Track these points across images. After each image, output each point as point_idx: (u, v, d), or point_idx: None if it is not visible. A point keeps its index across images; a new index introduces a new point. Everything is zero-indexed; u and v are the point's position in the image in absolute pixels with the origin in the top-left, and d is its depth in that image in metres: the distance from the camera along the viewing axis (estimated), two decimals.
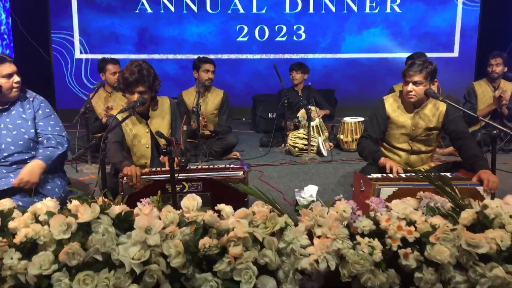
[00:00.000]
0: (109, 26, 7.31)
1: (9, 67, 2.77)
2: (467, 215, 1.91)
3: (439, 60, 7.47)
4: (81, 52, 7.34)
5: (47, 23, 7.24)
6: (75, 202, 1.87)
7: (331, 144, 5.04)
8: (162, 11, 7.32)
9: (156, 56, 7.42)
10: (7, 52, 7.06)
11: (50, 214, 1.84)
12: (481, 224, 1.92)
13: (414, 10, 7.42)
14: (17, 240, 1.76)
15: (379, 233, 1.86)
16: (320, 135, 4.85)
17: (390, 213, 1.93)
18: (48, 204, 1.93)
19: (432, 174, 2.05)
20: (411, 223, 1.89)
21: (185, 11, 7.33)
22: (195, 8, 7.33)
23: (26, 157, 2.83)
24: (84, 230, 1.79)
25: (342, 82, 7.48)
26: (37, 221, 1.85)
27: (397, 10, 7.41)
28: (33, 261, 1.71)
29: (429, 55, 7.31)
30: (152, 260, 1.73)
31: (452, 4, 7.41)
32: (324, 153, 4.68)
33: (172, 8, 7.32)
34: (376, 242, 1.80)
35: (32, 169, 2.68)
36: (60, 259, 1.71)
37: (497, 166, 4.04)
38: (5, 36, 7.10)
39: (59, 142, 2.87)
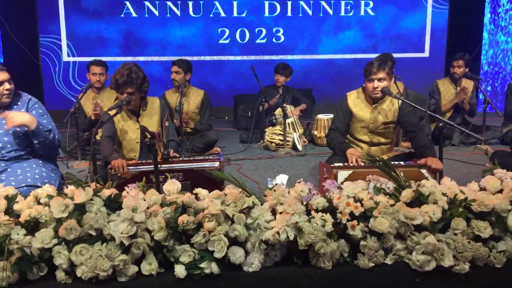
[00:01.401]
0: (96, 30, 7.53)
1: (1, 75, 2.94)
2: (406, 194, 2.25)
3: (411, 60, 7.89)
4: (68, 55, 7.57)
5: (36, 27, 7.45)
6: (71, 187, 2.18)
7: (305, 139, 5.39)
8: (146, 15, 7.57)
9: (142, 58, 7.67)
10: None
11: (50, 197, 2.13)
12: (418, 200, 2.26)
13: (387, 12, 7.78)
14: (22, 219, 2.03)
15: (331, 209, 2.19)
16: (295, 131, 5.20)
17: (341, 192, 2.27)
18: (47, 189, 2.23)
19: (379, 161, 2.40)
20: (359, 200, 2.23)
21: (168, 15, 7.60)
22: (178, 12, 7.60)
23: (23, 153, 3.05)
24: (80, 210, 2.07)
25: (319, 82, 7.82)
26: (39, 203, 2.14)
27: (371, 13, 7.77)
28: (36, 236, 1.98)
29: (401, 55, 7.79)
30: (138, 234, 2.02)
31: (422, 6, 7.78)
32: (299, 147, 5.02)
33: (156, 12, 7.58)
34: (328, 216, 2.13)
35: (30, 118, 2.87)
36: (60, 234, 1.99)
37: (457, 157, 4.46)
38: None
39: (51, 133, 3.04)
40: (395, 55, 7.38)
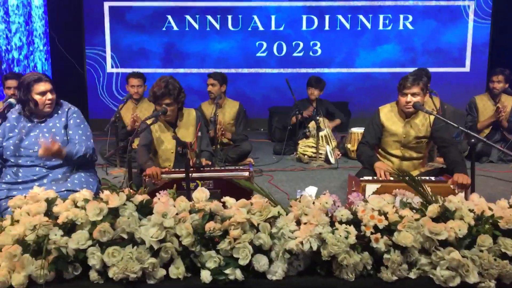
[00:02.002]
0: (138, 42, 7.81)
1: (43, 85, 3.09)
2: (432, 208, 2.25)
3: (451, 74, 7.76)
4: (112, 67, 7.88)
5: (82, 39, 7.80)
6: (106, 192, 2.30)
7: (339, 153, 5.39)
8: (187, 29, 7.80)
9: (181, 70, 7.90)
10: (46, 66, 7.67)
11: (86, 200, 2.26)
12: (444, 216, 2.26)
13: (426, 27, 7.70)
14: (59, 221, 2.15)
15: (355, 222, 2.22)
16: (328, 144, 5.22)
17: (366, 205, 2.29)
18: (84, 193, 2.36)
19: (407, 176, 2.42)
20: (383, 214, 2.25)
21: (208, 29, 7.80)
22: (217, 26, 7.79)
23: (62, 161, 3.20)
24: (113, 213, 2.18)
25: (356, 95, 7.80)
26: (76, 207, 2.26)
27: (410, 27, 7.71)
28: (73, 237, 2.10)
29: (440, 69, 7.68)
30: (167, 239, 2.11)
31: (463, 20, 7.67)
32: (332, 160, 5.03)
33: (197, 26, 7.80)
34: (351, 228, 2.16)
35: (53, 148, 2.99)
36: (94, 236, 2.10)
37: (493, 174, 4.38)
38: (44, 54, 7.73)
39: (81, 144, 3.17)
40: (435, 70, 7.35)
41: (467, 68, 7.81)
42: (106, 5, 7.71)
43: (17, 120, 3.18)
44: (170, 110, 3.41)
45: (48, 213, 2.26)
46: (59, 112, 3.27)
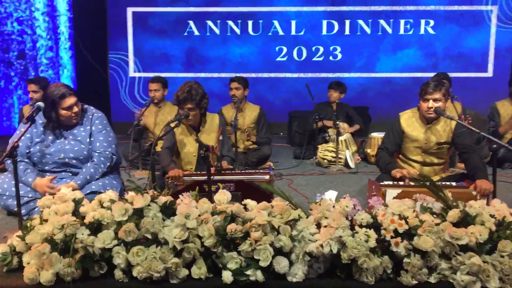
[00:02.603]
0: (160, 47, 7.95)
1: (69, 100, 3.15)
2: (453, 213, 2.25)
3: (473, 79, 7.68)
4: (134, 71, 8.03)
5: (106, 44, 7.97)
6: (131, 193, 2.37)
7: (358, 157, 5.39)
8: (208, 34, 7.90)
9: (202, 75, 7.99)
10: (70, 71, 7.86)
11: (112, 201, 2.33)
12: (465, 221, 2.26)
13: (448, 31, 7.65)
14: (86, 220, 2.23)
15: (376, 225, 2.24)
16: (348, 149, 5.22)
17: (387, 209, 2.31)
18: (110, 194, 2.43)
19: (427, 180, 2.42)
20: (404, 218, 2.26)
21: (229, 34, 7.89)
22: (238, 31, 7.87)
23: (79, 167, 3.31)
24: (138, 214, 2.24)
25: (376, 100, 7.78)
26: (102, 207, 2.33)
27: (431, 31, 7.67)
28: (99, 237, 2.17)
29: (462, 74, 7.61)
30: (190, 240, 2.16)
31: (485, 25, 7.59)
32: (351, 165, 5.03)
33: (217, 31, 7.89)
34: (371, 232, 2.18)
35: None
36: (119, 236, 2.16)
37: None
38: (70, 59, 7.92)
39: (100, 163, 3.24)
40: (457, 75, 7.30)
41: (489, 73, 7.73)
42: (130, 11, 7.86)
43: (42, 126, 3.27)
44: (192, 115, 3.47)
45: (75, 213, 2.34)
46: (84, 119, 3.35)
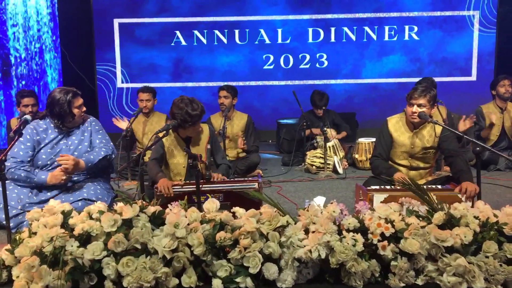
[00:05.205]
0: (148, 57, 7.95)
1: (80, 100, 3.44)
2: (438, 216, 2.30)
3: (458, 84, 7.80)
4: (122, 82, 8.02)
5: (93, 55, 7.96)
6: (120, 204, 2.38)
7: (346, 163, 5.44)
8: (195, 43, 7.93)
9: (190, 84, 8.02)
10: (56, 83, 7.83)
11: (101, 212, 2.34)
12: (450, 223, 2.30)
13: (432, 37, 7.75)
14: (75, 232, 2.23)
15: (363, 230, 2.27)
16: (336, 155, 5.27)
17: (373, 214, 2.34)
18: (99, 205, 2.44)
19: (413, 184, 2.47)
20: (390, 222, 2.29)
21: (216, 43, 7.92)
22: (225, 40, 7.92)
23: (83, 178, 3.43)
24: (127, 225, 2.26)
25: (363, 106, 7.85)
26: (91, 218, 2.34)
27: (415, 37, 7.77)
28: (88, 248, 2.18)
29: (447, 79, 7.73)
30: (179, 249, 2.18)
31: (468, 30, 7.71)
32: (340, 171, 5.08)
33: (204, 41, 7.93)
34: (358, 236, 2.21)
35: (76, 162, 3.25)
36: (109, 247, 2.17)
37: (501, 182, 4.40)
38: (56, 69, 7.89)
39: (102, 150, 3.43)
40: (441, 79, 7.41)
41: (473, 77, 7.85)
42: (116, 22, 7.87)
43: (45, 132, 3.41)
44: (195, 131, 3.54)
45: (64, 225, 2.35)
46: (84, 123, 3.54)
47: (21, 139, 3.29)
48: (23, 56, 7.21)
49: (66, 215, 2.40)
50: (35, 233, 2.28)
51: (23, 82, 7.21)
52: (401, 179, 3.18)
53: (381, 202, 2.89)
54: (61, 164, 3.22)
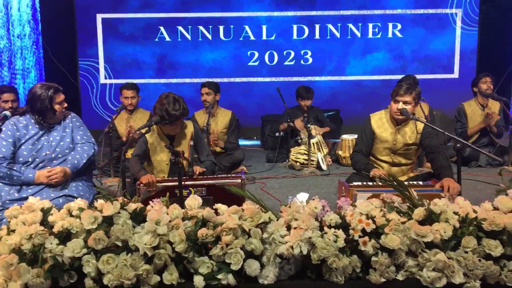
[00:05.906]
0: (131, 53, 7.89)
1: (61, 96, 3.36)
2: (418, 212, 2.31)
3: (440, 81, 7.88)
4: (105, 78, 7.94)
5: (75, 51, 7.87)
6: (100, 201, 2.35)
7: (330, 159, 5.46)
8: (179, 39, 7.89)
9: (174, 80, 7.97)
10: (37, 78, 7.72)
11: (81, 209, 2.31)
12: (430, 219, 2.32)
13: (415, 34, 7.83)
14: (55, 230, 2.19)
15: (344, 226, 2.28)
16: (320, 151, 5.29)
17: (355, 210, 2.35)
18: (79, 202, 2.41)
19: (393, 180, 2.48)
20: (371, 218, 2.31)
21: (200, 39, 7.89)
22: (209, 36, 7.88)
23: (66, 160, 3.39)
24: (108, 222, 2.22)
25: (347, 103, 7.89)
26: (71, 215, 2.31)
27: (399, 35, 7.84)
28: (68, 246, 2.14)
29: (430, 76, 7.80)
30: (161, 246, 2.16)
31: (450, 28, 7.80)
32: (323, 167, 5.10)
33: (189, 37, 7.89)
34: (340, 232, 2.22)
35: (64, 172, 3.21)
36: (89, 244, 2.14)
37: (481, 178, 4.47)
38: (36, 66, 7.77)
39: (85, 150, 3.37)
40: (424, 76, 7.48)
41: (455, 75, 7.94)
42: (99, 17, 7.78)
43: (25, 128, 3.33)
44: (178, 126, 3.50)
45: (44, 222, 2.31)
46: (64, 119, 3.47)
47: (2, 135, 3.23)
48: (4, 51, 7.09)
49: (46, 212, 2.36)
50: (13, 231, 2.24)
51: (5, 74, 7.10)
52: (377, 175, 3.23)
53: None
54: (52, 180, 3.17)
